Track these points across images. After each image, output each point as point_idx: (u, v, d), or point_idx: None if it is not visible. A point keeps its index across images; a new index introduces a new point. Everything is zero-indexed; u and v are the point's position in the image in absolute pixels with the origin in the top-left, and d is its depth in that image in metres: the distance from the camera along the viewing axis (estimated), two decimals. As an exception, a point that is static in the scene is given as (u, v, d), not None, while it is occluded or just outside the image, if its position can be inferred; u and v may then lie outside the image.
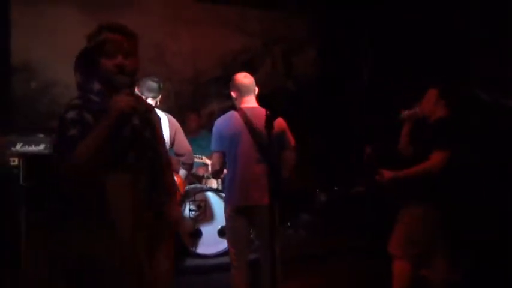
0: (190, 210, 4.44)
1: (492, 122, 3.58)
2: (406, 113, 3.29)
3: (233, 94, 3.24)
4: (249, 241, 3.30)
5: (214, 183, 4.99)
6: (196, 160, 4.44)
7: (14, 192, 3.61)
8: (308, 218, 5.73)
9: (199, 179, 5.16)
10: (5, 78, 5.27)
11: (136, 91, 3.27)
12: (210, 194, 4.62)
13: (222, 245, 4.39)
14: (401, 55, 5.20)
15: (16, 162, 3.67)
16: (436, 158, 2.93)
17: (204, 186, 4.86)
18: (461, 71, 4.38)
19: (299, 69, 6.77)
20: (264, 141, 2.98)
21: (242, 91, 3.19)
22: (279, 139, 3.09)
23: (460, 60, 4.47)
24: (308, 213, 5.76)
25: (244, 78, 3.21)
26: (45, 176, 3.59)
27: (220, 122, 3.19)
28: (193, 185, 4.85)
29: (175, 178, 3.39)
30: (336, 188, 5.74)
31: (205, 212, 4.54)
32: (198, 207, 4.49)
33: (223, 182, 4.72)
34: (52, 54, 5.44)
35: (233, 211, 3.14)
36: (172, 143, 3.73)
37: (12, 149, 3.67)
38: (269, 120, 2.24)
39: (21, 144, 3.69)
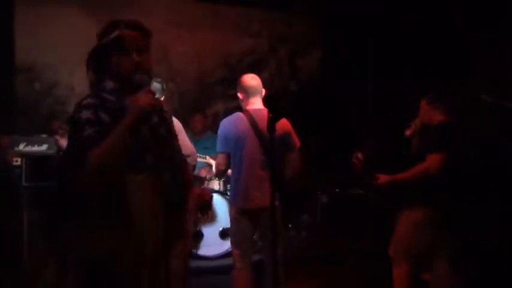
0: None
1: (493, 123, 3.58)
2: (408, 132, 3.31)
3: (239, 95, 3.18)
4: (252, 242, 3.29)
5: (216, 185, 4.99)
6: (200, 160, 4.41)
7: (17, 192, 3.62)
8: (309, 220, 5.73)
9: (202, 180, 5.15)
10: (8, 79, 5.30)
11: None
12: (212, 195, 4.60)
13: (224, 246, 4.39)
14: (401, 55, 5.20)
15: (19, 162, 3.68)
16: (434, 159, 2.93)
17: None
18: (461, 71, 4.38)
19: (303, 71, 6.77)
20: (269, 144, 2.97)
21: (249, 92, 3.14)
22: (284, 141, 3.04)
23: (460, 60, 4.48)
24: (309, 214, 5.75)
25: (251, 80, 3.16)
26: (47, 176, 3.60)
27: (225, 123, 3.16)
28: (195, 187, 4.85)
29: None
30: (337, 190, 5.73)
31: (206, 214, 4.54)
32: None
33: (225, 184, 4.72)
34: (55, 55, 5.48)
35: (238, 213, 3.12)
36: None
37: (15, 149, 3.68)
38: (271, 122, 2.19)
39: (24, 144, 3.71)
